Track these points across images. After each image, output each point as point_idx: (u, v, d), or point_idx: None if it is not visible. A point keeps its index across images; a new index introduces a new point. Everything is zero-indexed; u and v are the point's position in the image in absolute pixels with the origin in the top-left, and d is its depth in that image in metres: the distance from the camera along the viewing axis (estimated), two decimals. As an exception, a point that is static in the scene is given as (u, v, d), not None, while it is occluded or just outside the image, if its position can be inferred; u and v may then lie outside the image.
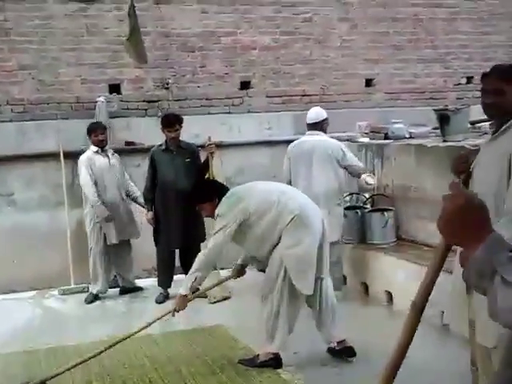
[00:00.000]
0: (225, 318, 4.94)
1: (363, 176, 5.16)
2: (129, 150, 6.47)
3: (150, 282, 6.02)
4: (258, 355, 4.02)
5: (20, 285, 6.03)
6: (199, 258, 4.02)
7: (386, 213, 5.48)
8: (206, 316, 5.19)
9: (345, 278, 5.56)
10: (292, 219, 3.86)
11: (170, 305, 5.43)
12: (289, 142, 6.66)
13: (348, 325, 4.28)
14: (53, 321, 5.28)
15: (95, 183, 5.69)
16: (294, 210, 3.88)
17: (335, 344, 4.10)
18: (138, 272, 6.33)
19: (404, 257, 5.09)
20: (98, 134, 5.71)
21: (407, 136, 6.01)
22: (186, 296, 4.00)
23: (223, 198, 4.01)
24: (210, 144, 5.68)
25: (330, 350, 4.13)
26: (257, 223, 3.91)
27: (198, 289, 4.36)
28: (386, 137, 6.07)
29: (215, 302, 5.51)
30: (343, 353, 4.08)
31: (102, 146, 5.75)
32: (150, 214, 5.68)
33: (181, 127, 5.63)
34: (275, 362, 3.97)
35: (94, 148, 5.75)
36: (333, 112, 6.06)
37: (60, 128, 6.20)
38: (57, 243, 6.08)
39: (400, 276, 5.02)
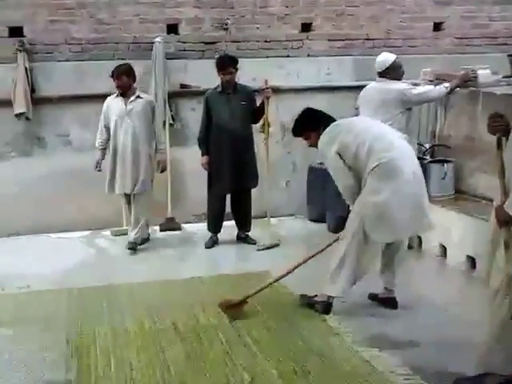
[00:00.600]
0: (273, 265, 4.85)
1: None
2: (184, 93, 6.36)
3: (199, 227, 5.99)
4: (316, 295, 4.03)
5: (74, 225, 6.10)
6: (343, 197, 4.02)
7: (445, 164, 5.22)
8: (254, 262, 5.14)
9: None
10: (376, 166, 3.74)
11: (219, 249, 5.49)
12: (349, 88, 6.45)
13: (399, 276, 4.16)
14: (104, 260, 5.34)
15: (108, 129, 5.58)
16: (381, 158, 3.75)
17: (383, 291, 4.12)
18: (188, 217, 6.32)
19: (462, 210, 4.86)
20: (114, 78, 5.49)
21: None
22: None
23: (326, 130, 3.96)
24: (267, 88, 5.51)
25: (373, 296, 4.16)
26: (352, 160, 3.84)
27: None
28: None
29: (264, 249, 5.43)
30: (386, 302, 4.09)
31: (120, 91, 5.53)
32: (205, 158, 5.58)
33: (236, 70, 5.45)
34: (325, 306, 3.96)
35: (116, 92, 5.60)
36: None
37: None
38: (111, 184, 6.10)
39: (456, 230, 4.81)
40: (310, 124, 4.08)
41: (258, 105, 5.59)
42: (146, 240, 5.69)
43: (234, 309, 3.99)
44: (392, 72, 5.21)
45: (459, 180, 5.32)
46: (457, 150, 5.33)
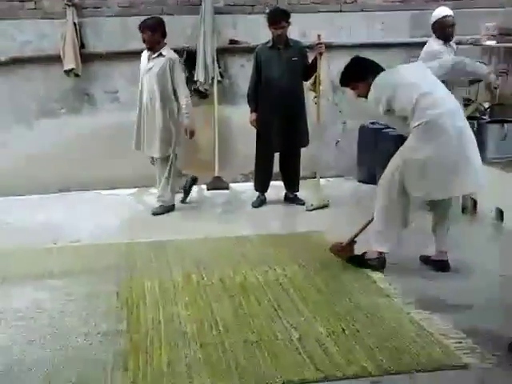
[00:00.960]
0: (322, 225, 4.79)
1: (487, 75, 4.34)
2: (233, 49, 6.25)
3: (247, 187, 5.95)
4: (365, 252, 4.01)
5: (123, 182, 6.16)
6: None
7: (506, 125, 4.99)
8: (303, 222, 5.09)
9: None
10: (421, 124, 3.66)
11: (266, 209, 5.44)
12: (403, 44, 6.22)
13: (453, 239, 4.07)
14: (152, 217, 5.37)
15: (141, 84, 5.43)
16: (426, 116, 3.65)
17: (436, 253, 4.03)
18: (235, 176, 6.29)
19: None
20: (140, 32, 5.33)
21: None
22: None
23: (375, 80, 3.84)
24: (320, 43, 5.34)
25: (425, 259, 4.08)
26: (396, 113, 3.80)
27: None
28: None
29: (313, 210, 5.36)
30: (438, 265, 4.00)
31: (146, 46, 5.35)
32: (254, 115, 5.49)
33: (288, 24, 5.30)
34: (380, 262, 3.95)
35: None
36: (456, 12, 5.46)
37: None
38: (158, 142, 6.09)
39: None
40: (358, 74, 3.96)
41: (310, 61, 5.45)
42: (169, 208, 5.44)
43: (345, 250, 4.08)
44: (438, 29, 5.06)
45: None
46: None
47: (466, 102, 5.23)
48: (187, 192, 5.69)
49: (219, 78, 6.14)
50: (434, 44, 5.01)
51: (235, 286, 3.79)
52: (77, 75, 6.02)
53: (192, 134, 5.40)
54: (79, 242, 4.66)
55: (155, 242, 4.60)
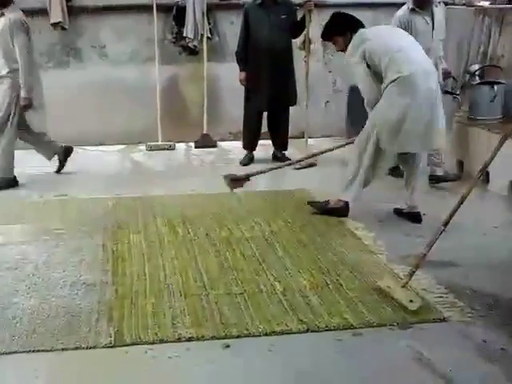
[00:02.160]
0: (308, 183, 4.81)
1: None
2: (223, 5, 6.15)
3: (235, 145, 5.94)
4: (328, 201, 4.21)
5: (109, 138, 6.12)
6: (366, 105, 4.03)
7: (495, 86, 4.97)
8: (290, 181, 5.09)
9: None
10: (396, 79, 3.77)
11: (254, 167, 5.43)
12: (395, 4, 6.12)
13: (437, 201, 4.13)
14: (139, 173, 5.37)
15: None
16: (400, 72, 3.77)
17: (406, 207, 4.20)
18: (224, 135, 6.27)
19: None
20: None
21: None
22: None
23: (354, 36, 3.97)
24: (309, 1, 5.28)
25: (398, 211, 4.24)
26: (373, 68, 3.88)
27: None
28: (510, 1, 5.37)
29: (300, 169, 5.36)
30: (410, 217, 4.16)
31: None
32: (243, 74, 5.44)
33: None
34: (343, 210, 4.12)
35: None
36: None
37: (154, -21, 5.96)
38: (146, 99, 6.05)
39: (501, 154, 4.61)
40: (338, 28, 4.10)
41: (298, 18, 5.38)
42: (7, 182, 4.90)
43: (236, 182, 4.27)
44: None
45: (509, 103, 5.09)
46: (509, 71, 5.07)
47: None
48: (62, 164, 5.28)
49: (209, 35, 6.06)
50: (400, 9, 4.66)
51: (221, 240, 3.81)
52: (63, 28, 5.92)
53: (26, 107, 4.87)
54: (66, 196, 4.65)
55: (142, 198, 4.60)
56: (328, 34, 4.19)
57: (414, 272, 3.09)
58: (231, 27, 6.14)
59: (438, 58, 4.70)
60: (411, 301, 2.95)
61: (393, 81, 3.77)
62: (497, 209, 4.47)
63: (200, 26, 5.95)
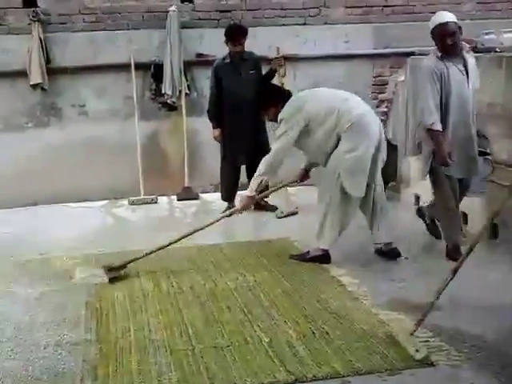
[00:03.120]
0: (291, 232, 4.84)
1: None
2: (200, 62, 6.30)
3: (217, 196, 5.98)
4: (309, 251, 4.28)
5: (92, 194, 6.13)
6: (264, 162, 4.18)
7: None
8: (273, 230, 5.12)
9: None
10: (350, 126, 3.99)
11: (237, 218, 5.44)
12: (367, 56, 6.35)
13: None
14: (122, 228, 5.37)
15: None
16: (352, 118, 4.01)
17: (382, 245, 4.30)
18: (205, 187, 6.33)
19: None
20: None
21: (499, 50, 5.50)
22: (252, 197, 4.27)
23: (287, 103, 4.16)
24: (278, 58, 5.44)
25: (378, 251, 4.35)
26: (317, 129, 4.07)
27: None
28: (475, 51, 5.57)
29: (282, 217, 5.40)
30: (387, 255, 4.29)
31: None
32: (217, 131, 5.52)
33: (245, 39, 5.36)
34: (324, 257, 4.21)
35: None
36: (416, 25, 5.63)
37: (131, 38, 6.10)
38: (127, 155, 6.11)
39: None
40: (269, 100, 4.30)
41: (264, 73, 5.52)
42: None
43: (114, 271, 4.11)
44: (435, 40, 4.12)
45: (479, 146, 5.21)
46: (479, 116, 5.20)
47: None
48: None
49: (187, 91, 6.18)
50: (427, 58, 4.23)
51: (205, 293, 3.79)
52: (43, 89, 6.00)
53: None
54: (47, 255, 4.62)
55: (124, 252, 4.55)
56: (262, 105, 4.39)
57: (422, 320, 3.07)
58: (208, 82, 6.24)
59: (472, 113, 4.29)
60: (417, 350, 2.93)
61: (348, 126, 3.99)
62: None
63: (178, 83, 6.07)
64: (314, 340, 3.14)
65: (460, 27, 4.09)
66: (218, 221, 4.40)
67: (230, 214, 4.43)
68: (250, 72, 5.43)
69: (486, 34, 5.35)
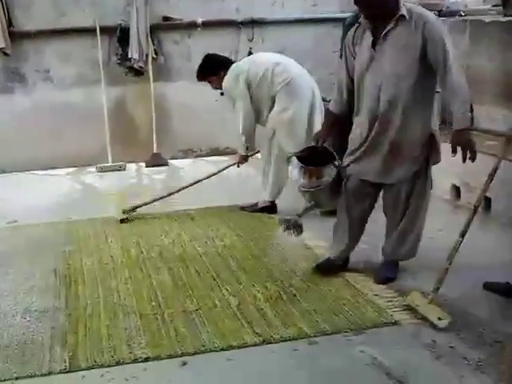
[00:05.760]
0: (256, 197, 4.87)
1: None
2: (167, 25, 6.19)
3: (186, 162, 5.98)
4: (257, 203, 4.63)
5: (59, 162, 6.06)
6: (239, 131, 4.41)
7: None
8: (244, 194, 5.10)
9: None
10: (281, 87, 4.24)
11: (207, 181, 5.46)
12: (335, 19, 6.31)
13: None
14: (90, 195, 5.32)
15: None
16: (285, 79, 4.25)
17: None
18: (174, 153, 6.29)
19: (447, 139, 4.80)
20: None
21: (463, 14, 5.53)
22: (245, 156, 4.58)
23: (229, 72, 4.38)
24: None
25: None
26: (256, 92, 4.32)
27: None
28: (440, 14, 5.59)
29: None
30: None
31: None
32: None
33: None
34: (271, 208, 4.56)
35: None
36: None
37: (96, 1, 5.95)
38: (94, 121, 6.02)
39: (442, 159, 4.78)
40: (210, 69, 4.50)
41: None
42: None
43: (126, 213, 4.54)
44: None
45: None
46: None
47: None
48: None
49: (153, 55, 6.09)
50: None
51: (174, 258, 3.82)
52: (6, 54, 5.85)
53: None
54: (16, 223, 4.58)
55: (93, 220, 4.57)
56: (201, 75, 4.56)
57: (438, 288, 3.06)
58: (175, 47, 6.19)
59: None
60: (439, 318, 2.94)
61: (281, 87, 4.24)
62: (441, 212, 4.59)
63: (144, 47, 5.97)
64: (281, 302, 3.20)
65: None
66: (215, 174, 4.79)
67: (228, 167, 4.79)
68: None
69: (451, -3, 5.36)
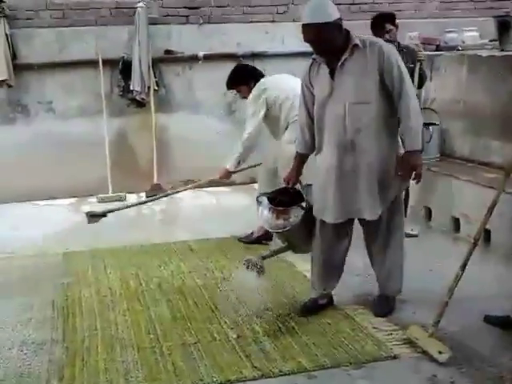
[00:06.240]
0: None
1: None
2: (168, 58, 6.28)
3: (185, 193, 5.91)
4: (253, 232, 4.61)
5: (59, 192, 6.07)
6: (240, 142, 4.38)
7: (431, 127, 5.17)
8: (241, 225, 5.10)
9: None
10: (294, 121, 4.00)
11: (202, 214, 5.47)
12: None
13: None
14: (90, 226, 5.28)
15: None
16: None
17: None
18: (174, 183, 6.28)
19: (446, 171, 4.83)
20: None
21: (460, 48, 5.62)
22: (229, 172, 4.51)
23: (256, 85, 4.39)
24: None
25: None
26: (274, 113, 4.33)
27: None
28: (438, 49, 5.69)
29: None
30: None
31: None
32: None
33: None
34: (266, 235, 4.48)
35: None
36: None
37: (99, 35, 6.05)
38: (96, 152, 6.06)
39: (441, 191, 4.80)
40: (242, 78, 4.51)
41: None
42: None
43: (94, 217, 4.75)
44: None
45: (445, 143, 5.32)
46: (442, 113, 5.31)
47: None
48: None
49: (155, 87, 6.16)
50: None
51: (173, 290, 3.81)
52: (9, 86, 5.92)
53: None
54: (13, 254, 4.57)
55: (92, 251, 4.56)
56: (231, 84, 4.57)
57: (439, 321, 3.03)
58: (177, 79, 6.26)
59: None
60: (440, 352, 2.90)
61: (295, 120, 3.95)
62: (440, 244, 4.58)
63: (146, 79, 6.04)
64: (280, 335, 3.18)
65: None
66: (202, 185, 4.92)
67: (210, 181, 4.82)
68: None
69: (449, 32, 5.44)
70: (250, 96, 4.40)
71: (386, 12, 4.86)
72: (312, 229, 3.39)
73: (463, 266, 3.06)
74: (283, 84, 4.42)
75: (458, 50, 5.53)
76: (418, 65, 4.64)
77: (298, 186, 3.43)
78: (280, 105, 4.30)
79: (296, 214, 3.32)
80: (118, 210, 4.74)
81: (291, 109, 4.20)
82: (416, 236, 4.69)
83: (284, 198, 3.41)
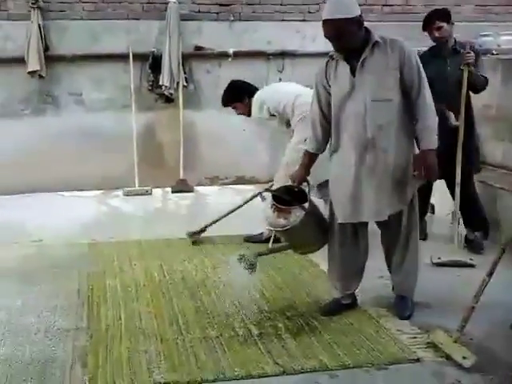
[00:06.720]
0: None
1: None
2: (198, 55, 6.30)
3: (211, 190, 6.01)
4: (262, 233, 4.50)
5: (86, 184, 6.14)
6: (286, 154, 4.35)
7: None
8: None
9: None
10: (300, 119, 4.15)
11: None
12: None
13: None
14: (116, 218, 5.37)
15: None
16: (304, 111, 4.07)
17: None
18: (200, 180, 6.33)
19: (477, 178, 4.77)
20: None
21: (495, 52, 5.55)
22: None
23: (253, 100, 4.42)
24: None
25: None
26: (280, 120, 4.38)
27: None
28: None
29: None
30: None
31: None
32: None
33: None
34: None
35: None
36: (416, 24, 5.60)
37: (130, 29, 6.11)
38: (123, 145, 6.11)
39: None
40: (235, 95, 4.53)
41: None
42: None
43: (194, 235, 4.60)
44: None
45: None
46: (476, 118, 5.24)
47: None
48: None
49: (184, 83, 6.18)
50: None
51: (197, 283, 3.83)
52: (41, 77, 6.00)
53: None
54: (41, 242, 4.63)
55: (118, 242, 4.60)
56: (226, 101, 4.59)
57: (464, 326, 2.99)
58: (206, 76, 6.28)
59: None
60: (464, 357, 2.87)
61: (300, 119, 4.17)
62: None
63: (176, 75, 6.07)
64: (303, 334, 3.17)
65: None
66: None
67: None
68: None
69: (484, 36, 5.37)
70: (253, 111, 4.43)
71: (440, 8, 4.68)
72: (313, 230, 3.36)
73: (490, 273, 3.01)
74: (280, 89, 4.50)
75: (493, 53, 5.46)
76: (465, 68, 4.32)
77: (304, 185, 3.37)
78: (282, 110, 4.30)
79: (297, 215, 3.28)
80: (216, 222, 4.63)
81: (294, 109, 4.23)
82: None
83: (288, 197, 3.36)
